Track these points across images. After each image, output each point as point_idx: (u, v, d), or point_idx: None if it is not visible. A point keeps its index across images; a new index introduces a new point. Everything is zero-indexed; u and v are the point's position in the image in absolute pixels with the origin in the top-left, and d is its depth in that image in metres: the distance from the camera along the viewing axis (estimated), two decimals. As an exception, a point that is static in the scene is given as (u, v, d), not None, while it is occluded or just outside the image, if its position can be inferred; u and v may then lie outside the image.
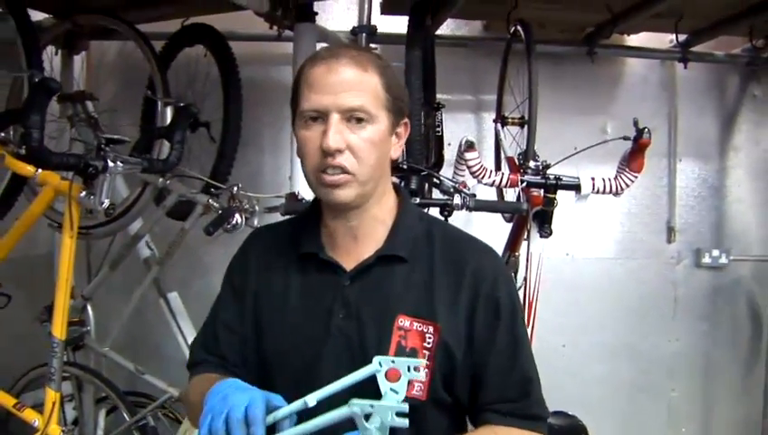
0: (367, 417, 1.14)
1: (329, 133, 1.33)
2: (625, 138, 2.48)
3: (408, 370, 1.20)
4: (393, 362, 1.20)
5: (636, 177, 2.50)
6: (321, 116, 1.35)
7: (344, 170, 1.35)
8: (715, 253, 3.87)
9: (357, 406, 1.14)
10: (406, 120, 1.47)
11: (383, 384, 1.19)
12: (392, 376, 1.19)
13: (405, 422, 1.13)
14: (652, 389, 3.87)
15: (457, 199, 2.41)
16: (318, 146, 1.35)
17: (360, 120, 1.35)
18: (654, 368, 3.87)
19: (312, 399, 1.18)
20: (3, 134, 2.27)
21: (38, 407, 2.19)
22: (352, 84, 1.35)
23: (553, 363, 3.62)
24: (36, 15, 3.15)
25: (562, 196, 2.55)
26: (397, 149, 1.47)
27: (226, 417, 1.18)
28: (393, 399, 1.17)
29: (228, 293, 1.57)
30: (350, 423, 1.16)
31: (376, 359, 1.20)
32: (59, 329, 2.12)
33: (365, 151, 1.36)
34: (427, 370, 1.36)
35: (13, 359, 2.97)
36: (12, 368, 2.86)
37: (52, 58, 3.28)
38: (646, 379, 3.86)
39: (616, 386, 3.82)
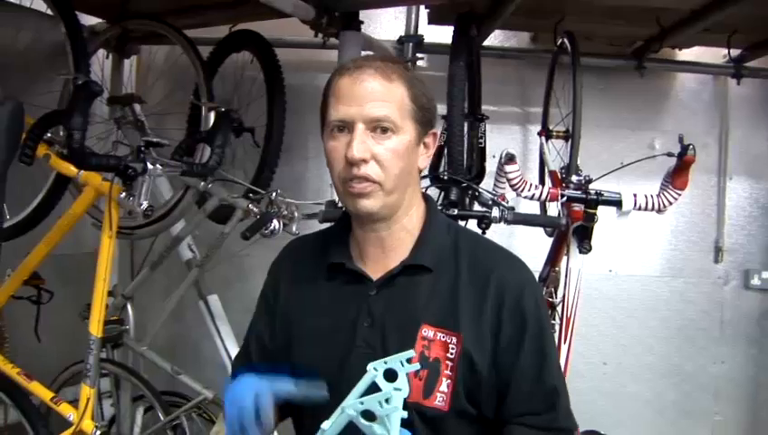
0: (364, 415, 1.16)
1: (353, 143, 1.33)
2: (669, 154, 2.43)
3: (402, 365, 1.21)
4: (386, 362, 1.20)
5: (679, 194, 2.45)
6: (346, 126, 1.36)
7: (369, 180, 1.35)
8: (765, 275, 3.76)
9: (349, 408, 1.17)
10: (434, 130, 1.47)
11: (385, 386, 1.19)
12: (390, 376, 1.20)
13: (398, 407, 1.15)
14: (695, 412, 3.77)
15: (496, 212, 2.39)
16: (344, 156, 1.35)
17: (385, 131, 1.36)
18: (698, 391, 3.77)
19: (326, 423, 1.20)
20: (49, 134, 2.32)
21: (76, 402, 2.23)
22: (377, 95, 1.35)
23: (593, 382, 3.57)
24: (90, 20, 3.25)
25: (606, 211, 2.51)
26: (424, 160, 1.47)
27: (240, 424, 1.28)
28: (400, 396, 1.17)
29: (261, 305, 1.61)
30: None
31: (370, 366, 1.20)
32: (95, 326, 2.15)
33: (390, 161, 1.36)
34: (449, 380, 1.36)
35: (58, 354, 3.03)
36: (56, 363, 2.92)
37: (103, 61, 3.36)
38: (689, 402, 3.76)
39: (658, 408, 3.73)
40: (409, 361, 1.21)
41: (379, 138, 1.36)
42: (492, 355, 1.38)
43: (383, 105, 1.35)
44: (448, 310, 1.39)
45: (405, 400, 1.20)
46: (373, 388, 1.20)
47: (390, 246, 1.45)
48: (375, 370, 1.20)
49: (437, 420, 1.36)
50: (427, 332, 1.37)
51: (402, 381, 1.20)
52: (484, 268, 1.43)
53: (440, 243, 1.46)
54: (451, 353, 1.36)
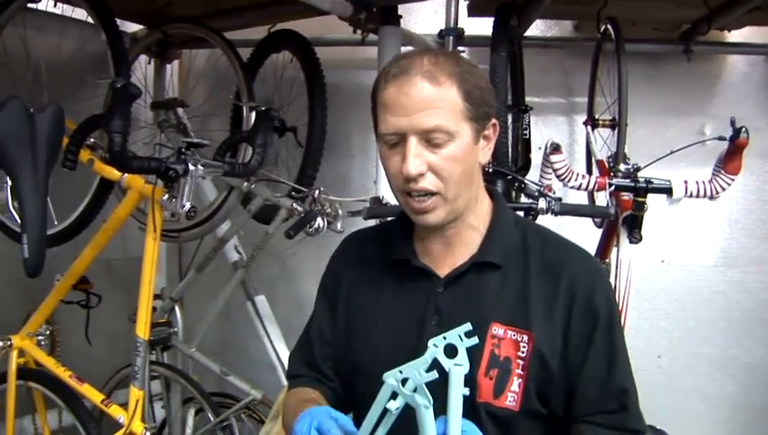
0: (403, 383, 1.17)
1: (408, 159, 1.29)
2: (721, 138, 2.36)
3: (461, 339, 1.19)
4: (445, 338, 1.18)
5: (732, 179, 2.37)
6: (399, 139, 1.31)
7: (429, 192, 1.32)
8: (826, 261, 3.62)
9: (389, 377, 1.17)
10: (493, 121, 1.41)
11: (445, 362, 1.18)
12: (451, 352, 1.18)
13: (434, 375, 1.15)
14: (756, 406, 3.63)
15: (542, 203, 2.35)
16: (399, 170, 1.31)
17: (438, 141, 1.30)
18: (758, 383, 3.63)
19: (392, 405, 1.19)
20: (93, 139, 2.35)
21: (127, 404, 2.24)
22: (426, 103, 1.29)
23: (648, 376, 3.49)
24: (131, 27, 3.29)
25: (657, 200, 2.45)
26: (486, 153, 1.42)
27: None
28: (460, 372, 1.17)
29: (322, 301, 1.59)
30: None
31: (430, 342, 1.18)
32: (142, 329, 2.16)
33: (448, 170, 1.31)
34: (520, 380, 1.33)
35: (109, 357, 3.07)
36: (107, 366, 2.96)
37: (145, 67, 3.40)
38: (749, 395, 3.64)
39: (716, 402, 3.63)
40: (468, 335, 1.19)
41: (433, 148, 1.30)
42: (563, 353, 1.35)
43: (433, 114, 1.28)
44: (519, 308, 1.36)
45: (466, 378, 1.19)
46: (435, 364, 1.18)
47: (456, 243, 1.42)
48: (435, 346, 1.18)
49: (508, 420, 1.34)
50: (497, 330, 1.35)
51: (463, 357, 1.18)
52: (555, 264, 1.39)
53: (509, 239, 1.43)
54: (522, 352, 1.34)
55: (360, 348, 1.46)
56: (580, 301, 1.35)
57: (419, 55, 1.35)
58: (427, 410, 1.15)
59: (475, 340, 1.19)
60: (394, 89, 1.31)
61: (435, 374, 1.16)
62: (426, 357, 1.17)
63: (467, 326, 1.19)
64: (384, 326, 1.43)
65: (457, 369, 1.17)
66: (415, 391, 1.16)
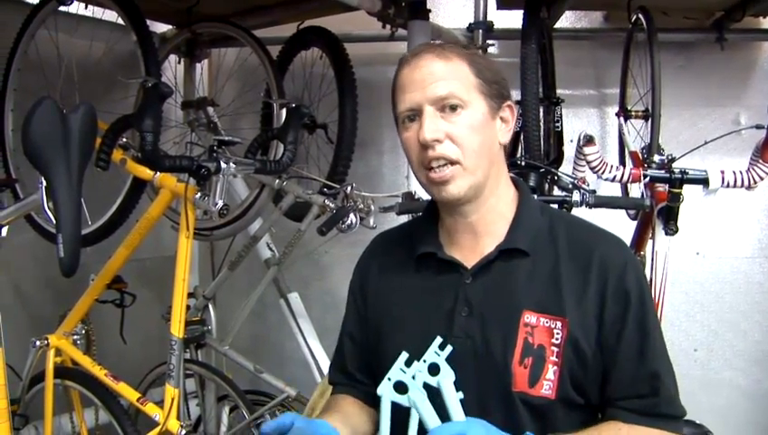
0: (397, 389, 1.25)
1: (423, 125, 1.32)
2: (758, 126, 2.33)
3: (438, 354, 1.27)
4: (425, 360, 1.27)
5: (771, 169, 2.33)
6: (416, 114, 1.35)
7: (448, 161, 1.33)
8: None
9: (383, 387, 1.24)
10: (509, 102, 1.43)
11: (432, 381, 1.25)
12: (433, 370, 1.25)
13: (422, 367, 1.26)
14: (796, 401, 3.59)
15: (576, 196, 2.32)
16: (418, 142, 1.34)
17: (454, 108, 1.33)
18: (798, 378, 3.59)
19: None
20: (125, 139, 2.36)
21: (163, 402, 2.25)
22: (438, 75, 1.34)
23: (684, 369, 3.39)
24: (160, 28, 3.31)
25: (692, 191, 2.41)
26: (505, 135, 1.43)
27: None
28: (448, 381, 1.24)
29: (351, 302, 1.60)
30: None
31: (409, 372, 1.26)
32: (177, 327, 2.17)
33: (464, 137, 1.33)
34: (556, 367, 1.32)
35: (143, 355, 3.10)
36: (142, 364, 2.98)
37: (175, 67, 3.41)
38: (787, 389, 3.58)
39: (754, 396, 3.57)
40: (441, 347, 1.27)
41: (449, 116, 1.33)
42: (597, 338, 1.34)
43: (445, 83, 1.33)
44: (551, 294, 1.35)
45: (455, 383, 1.24)
46: (426, 387, 1.25)
47: (482, 231, 1.42)
48: (419, 372, 1.25)
49: (545, 409, 1.33)
50: (530, 318, 1.34)
51: (446, 370, 1.25)
52: (585, 249, 1.38)
53: (536, 226, 1.42)
54: (556, 339, 1.33)
55: (390, 346, 1.44)
56: (613, 284, 1.34)
57: (431, 43, 1.49)
58: (424, 402, 1.19)
59: (449, 349, 1.26)
60: (407, 68, 1.37)
61: (422, 366, 1.26)
62: (404, 354, 1.26)
63: (438, 340, 1.26)
64: (413, 322, 1.43)
65: (446, 381, 1.22)
66: (407, 391, 1.22)
